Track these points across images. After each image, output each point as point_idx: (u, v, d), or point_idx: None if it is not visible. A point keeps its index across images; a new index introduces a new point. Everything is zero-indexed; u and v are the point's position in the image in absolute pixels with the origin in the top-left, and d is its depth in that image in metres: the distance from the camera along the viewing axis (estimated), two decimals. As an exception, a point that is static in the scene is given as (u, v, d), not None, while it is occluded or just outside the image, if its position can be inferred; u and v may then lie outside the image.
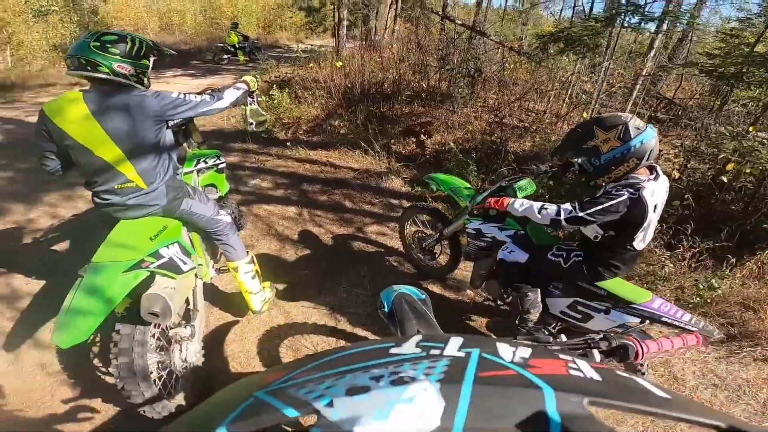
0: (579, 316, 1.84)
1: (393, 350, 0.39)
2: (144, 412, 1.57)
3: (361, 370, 0.35)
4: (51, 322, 2.23)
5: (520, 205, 1.78)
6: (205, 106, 1.76)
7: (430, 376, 0.32)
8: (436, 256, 2.71)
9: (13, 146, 4.56)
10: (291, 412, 0.30)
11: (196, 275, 1.87)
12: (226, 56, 10.81)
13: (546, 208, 1.67)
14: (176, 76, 8.95)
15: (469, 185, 2.43)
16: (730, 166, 2.87)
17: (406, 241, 2.84)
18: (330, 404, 0.30)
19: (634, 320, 1.70)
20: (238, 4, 16.42)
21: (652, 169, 1.63)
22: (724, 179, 2.90)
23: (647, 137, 1.51)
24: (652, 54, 4.81)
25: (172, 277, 1.61)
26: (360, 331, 2.41)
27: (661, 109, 5.31)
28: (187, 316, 1.91)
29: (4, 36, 8.97)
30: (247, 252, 2.16)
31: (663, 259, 2.61)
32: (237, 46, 10.74)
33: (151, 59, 1.70)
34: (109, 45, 1.52)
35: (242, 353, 2.21)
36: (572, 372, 0.35)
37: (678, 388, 2.06)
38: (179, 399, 1.76)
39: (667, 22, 4.57)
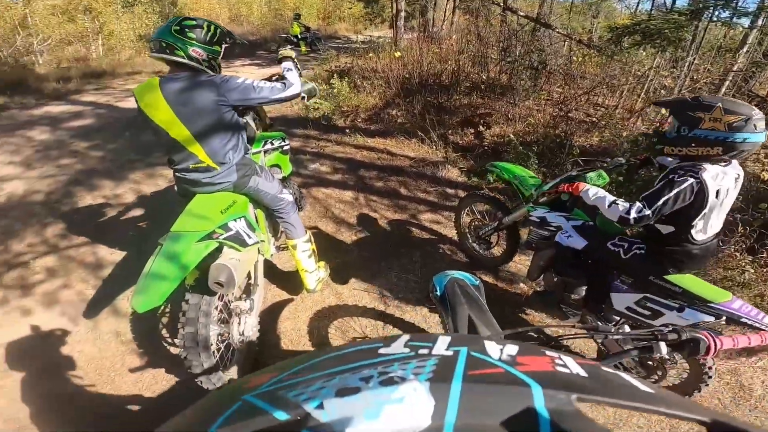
0: (648, 313, 1.74)
1: (382, 350, 0.39)
2: (201, 382, 1.63)
3: (351, 371, 0.35)
4: (129, 291, 2.41)
5: (594, 193, 1.72)
6: (277, 93, 1.79)
7: (420, 376, 0.32)
8: (492, 246, 2.67)
9: (105, 129, 5.06)
10: (281, 415, 0.30)
11: (258, 250, 1.95)
12: (289, 47, 11.13)
13: (617, 204, 1.60)
14: (244, 66, 9.45)
15: (533, 174, 2.36)
16: None
17: (461, 229, 2.83)
18: (320, 406, 0.30)
19: (710, 319, 1.59)
20: (301, -6, 16.88)
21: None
22: None
23: (752, 139, 1.40)
24: (744, 50, 4.32)
25: (237, 249, 1.69)
26: (408, 317, 2.44)
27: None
28: (248, 290, 2.00)
29: (96, 26, 9.95)
30: (306, 231, 2.23)
31: (743, 263, 2.40)
32: (299, 36, 11.02)
33: (223, 46, 1.78)
34: (187, 30, 1.63)
35: (294, 331, 2.28)
36: (559, 368, 0.35)
37: (743, 396, 1.96)
38: (233, 372, 1.81)
39: (762, 17, 4.09)
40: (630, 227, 1.62)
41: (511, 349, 0.38)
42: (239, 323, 1.87)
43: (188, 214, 1.69)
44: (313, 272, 2.34)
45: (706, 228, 1.56)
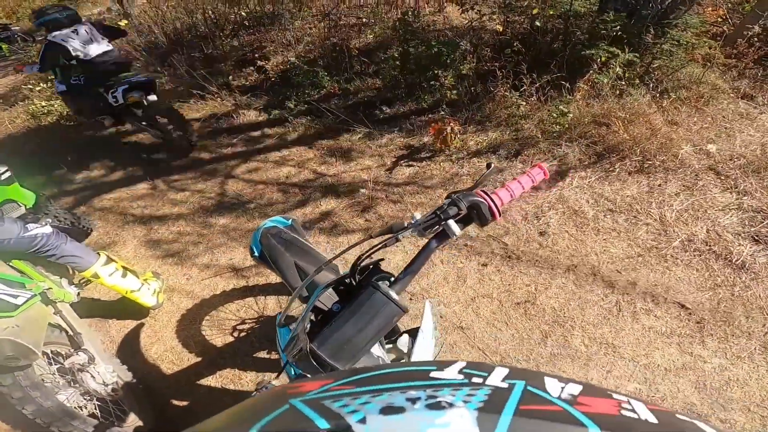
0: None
1: (434, 374, 0.38)
2: None
3: (399, 390, 0.34)
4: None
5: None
6: None
7: (469, 404, 0.31)
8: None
9: None
10: (323, 424, 0.30)
11: (50, 301, 1.65)
12: None
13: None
14: None
15: None
16: (534, 11, 3.20)
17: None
18: (362, 420, 0.29)
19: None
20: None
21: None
22: (538, 24, 3.22)
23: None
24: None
25: (7, 315, 1.41)
26: (273, 278, 2.27)
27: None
28: (74, 343, 1.72)
29: None
30: (98, 253, 1.96)
31: (515, 100, 2.86)
32: None
33: None
34: None
35: (168, 352, 2.03)
36: (625, 413, 0.33)
37: (581, 222, 2.17)
38: (133, 420, 1.70)
39: None
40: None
41: (574, 388, 0.36)
42: (92, 377, 1.68)
43: None
44: (142, 288, 2.08)
45: (87, 53, 2.94)
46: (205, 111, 3.53)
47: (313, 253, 1.14)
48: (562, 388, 0.36)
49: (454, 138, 2.72)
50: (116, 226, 2.74)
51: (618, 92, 2.81)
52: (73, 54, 2.85)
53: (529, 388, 0.35)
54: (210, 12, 4.74)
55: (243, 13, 4.85)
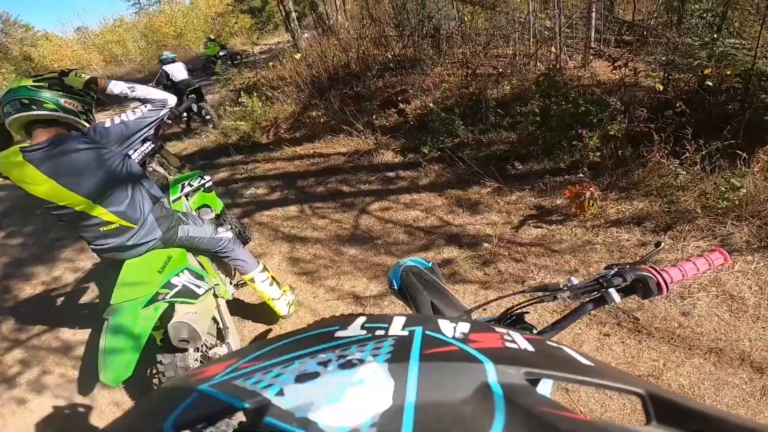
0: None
1: (338, 333, 0.39)
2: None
3: (308, 355, 0.35)
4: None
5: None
6: (159, 108, 1.62)
7: (378, 357, 0.32)
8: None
9: (12, 213, 4.55)
10: (240, 404, 0.29)
11: (215, 295, 1.89)
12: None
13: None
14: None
15: None
16: (707, 71, 2.88)
17: None
18: (280, 393, 0.29)
19: None
20: (178, 22, 15.98)
21: None
22: (710, 83, 2.86)
23: None
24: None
25: (190, 302, 1.64)
26: (387, 311, 2.42)
27: (625, 32, 5.28)
28: (221, 335, 1.96)
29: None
30: (258, 261, 2.19)
31: (673, 168, 2.53)
32: (217, 56, 11.18)
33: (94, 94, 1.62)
34: (43, 82, 1.45)
35: None
36: (508, 344, 0.36)
37: (738, 308, 1.96)
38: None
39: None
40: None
41: (464, 327, 0.39)
42: None
43: (123, 284, 1.60)
44: (281, 298, 2.30)
45: (175, 77, 5.61)
46: (351, 146, 4.00)
47: (449, 296, 1.14)
48: (454, 328, 0.39)
49: (593, 204, 2.60)
50: (268, 240, 3.24)
51: (811, 167, 2.34)
52: (170, 78, 5.35)
53: (427, 332, 0.37)
54: (362, 51, 5.36)
55: (389, 56, 5.38)
